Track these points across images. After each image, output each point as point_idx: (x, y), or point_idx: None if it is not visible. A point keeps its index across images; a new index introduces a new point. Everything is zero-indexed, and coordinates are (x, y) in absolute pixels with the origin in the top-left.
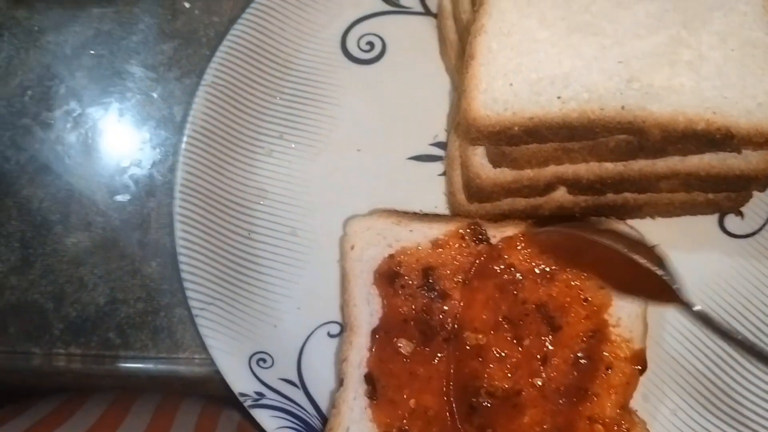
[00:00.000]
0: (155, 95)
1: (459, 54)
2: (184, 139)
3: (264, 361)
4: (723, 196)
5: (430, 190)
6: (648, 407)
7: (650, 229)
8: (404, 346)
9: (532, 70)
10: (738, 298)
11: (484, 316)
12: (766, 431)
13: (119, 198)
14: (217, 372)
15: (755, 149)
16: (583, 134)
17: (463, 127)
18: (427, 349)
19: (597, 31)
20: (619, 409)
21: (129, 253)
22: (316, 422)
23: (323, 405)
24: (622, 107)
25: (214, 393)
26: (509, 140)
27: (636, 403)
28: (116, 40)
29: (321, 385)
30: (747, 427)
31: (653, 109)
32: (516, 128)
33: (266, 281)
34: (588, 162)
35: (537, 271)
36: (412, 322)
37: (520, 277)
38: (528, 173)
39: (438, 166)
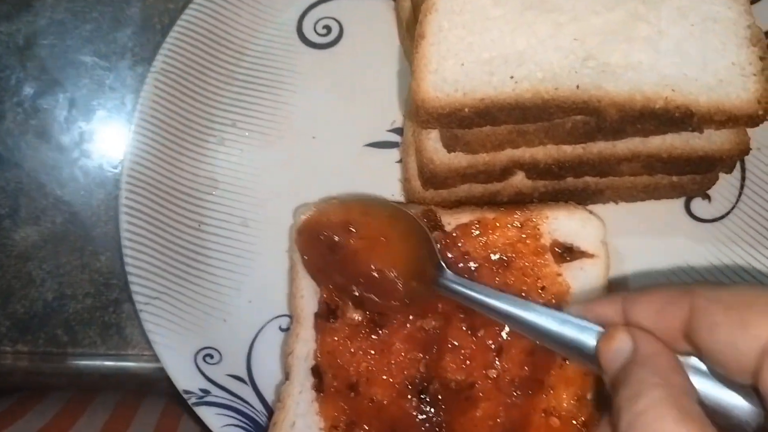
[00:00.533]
0: (107, 84)
1: (413, 36)
2: (132, 127)
3: (211, 356)
4: (688, 178)
5: (386, 178)
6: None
7: (613, 215)
8: (351, 313)
9: (484, 49)
10: None
11: (438, 306)
12: None
13: (70, 191)
14: (164, 370)
15: (717, 128)
16: (537, 115)
17: (413, 109)
18: (377, 338)
19: (552, 8)
20: (575, 401)
21: (78, 246)
22: (263, 419)
23: (271, 401)
24: (577, 86)
25: (172, 393)
26: (460, 123)
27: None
28: (69, 29)
29: (271, 380)
30: None
31: (609, 88)
32: (467, 110)
33: (216, 274)
34: (545, 145)
35: (493, 258)
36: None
37: (475, 266)
38: (483, 157)
39: (395, 153)
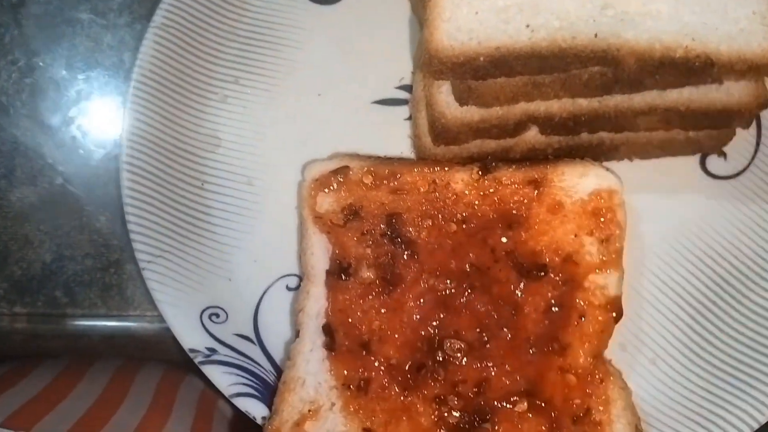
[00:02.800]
0: (105, 42)
1: None
2: (132, 83)
3: (217, 315)
4: (704, 134)
5: (395, 135)
6: (625, 357)
7: (628, 172)
8: (364, 271)
9: None
10: (721, 242)
11: (451, 264)
12: (747, 380)
13: (67, 150)
14: (169, 329)
15: (737, 79)
16: (553, 65)
17: (426, 59)
18: (389, 297)
19: None
20: (593, 358)
21: (77, 207)
22: (271, 378)
23: (280, 360)
24: (595, 35)
25: (173, 356)
26: (475, 73)
27: (612, 352)
28: None
29: (279, 340)
30: (729, 375)
31: (628, 37)
32: (481, 59)
33: (220, 233)
34: (560, 98)
35: (508, 216)
36: (372, 262)
37: (490, 223)
38: (496, 111)
39: (404, 110)
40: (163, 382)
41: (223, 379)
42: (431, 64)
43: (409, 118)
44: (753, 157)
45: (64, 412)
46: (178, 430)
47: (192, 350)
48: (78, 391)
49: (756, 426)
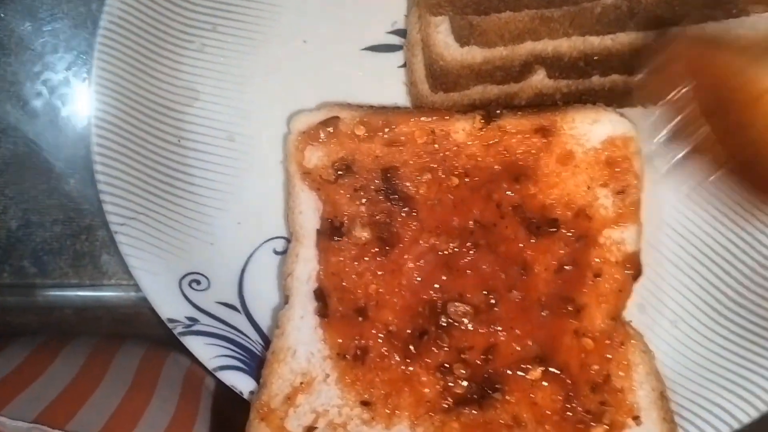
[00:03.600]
0: None
1: None
2: (99, 33)
3: (198, 282)
4: None
5: (388, 84)
6: (644, 319)
7: (644, 119)
8: (358, 231)
9: None
10: (746, 195)
11: (453, 221)
12: None
13: (32, 108)
14: (147, 300)
15: (765, 9)
16: None
17: None
18: (386, 258)
19: None
20: (611, 320)
21: (44, 169)
22: (260, 349)
23: (267, 330)
24: None
25: (153, 330)
26: (477, 5)
27: (631, 315)
28: None
29: (266, 308)
30: (757, 335)
31: None
32: None
33: (199, 193)
34: (570, 36)
35: (514, 168)
36: (367, 221)
37: (495, 176)
38: (500, 51)
39: (397, 57)
40: (145, 361)
41: (206, 351)
42: None
43: (404, 65)
44: None
45: (36, 393)
46: (161, 410)
47: (171, 320)
48: (52, 371)
49: None
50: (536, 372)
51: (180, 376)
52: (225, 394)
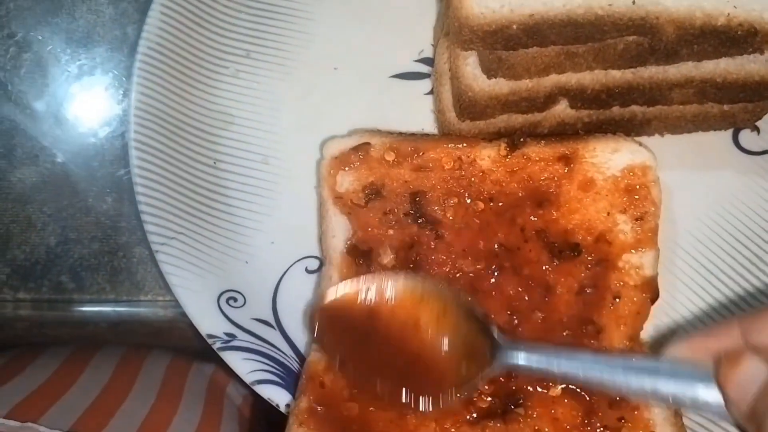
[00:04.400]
0: (107, 15)
1: None
2: (138, 57)
3: (235, 300)
4: (739, 107)
5: (415, 110)
6: (660, 340)
7: (660, 147)
8: (386, 256)
9: None
10: (756, 219)
11: (479, 244)
12: None
13: (69, 129)
14: (183, 315)
15: None
16: (588, 34)
17: (455, 28)
18: None
19: None
20: (628, 341)
21: (81, 188)
22: (294, 364)
23: (302, 346)
24: (633, 2)
25: (183, 342)
26: (506, 42)
27: (647, 335)
28: None
29: (299, 325)
30: None
31: (668, 4)
32: (514, 27)
33: (235, 214)
34: (593, 70)
35: (537, 194)
36: (395, 244)
37: (519, 201)
38: (526, 84)
39: (424, 84)
40: (171, 370)
41: (244, 366)
42: (461, 33)
43: (430, 92)
44: None
45: (70, 402)
46: (188, 417)
47: (210, 336)
48: (83, 381)
49: None
50: (557, 389)
51: (203, 384)
52: (249, 404)
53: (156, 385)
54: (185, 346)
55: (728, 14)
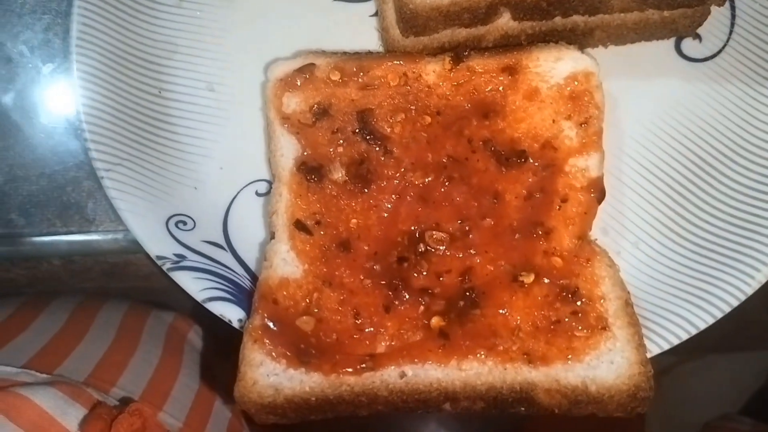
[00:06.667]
0: None
1: None
2: None
3: (184, 223)
4: (679, 13)
5: (361, 31)
6: (608, 242)
7: (605, 58)
8: (336, 172)
9: None
10: (698, 123)
11: (428, 157)
12: (730, 254)
13: (14, 65)
14: (137, 246)
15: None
16: None
17: None
18: (365, 195)
19: None
20: (578, 240)
21: (28, 126)
22: (246, 282)
23: (254, 265)
24: None
25: (140, 283)
26: None
27: (595, 237)
28: None
29: (251, 246)
30: (713, 251)
31: None
32: None
33: (182, 141)
34: None
35: (483, 105)
36: (345, 161)
37: (465, 113)
38: None
39: (369, 6)
40: (129, 316)
41: (195, 285)
42: None
43: (375, 13)
44: (728, 39)
45: (22, 344)
46: (146, 358)
47: (159, 257)
48: (36, 326)
49: (743, 297)
50: (511, 288)
51: (162, 330)
52: (210, 349)
53: (113, 329)
54: (144, 287)
55: None
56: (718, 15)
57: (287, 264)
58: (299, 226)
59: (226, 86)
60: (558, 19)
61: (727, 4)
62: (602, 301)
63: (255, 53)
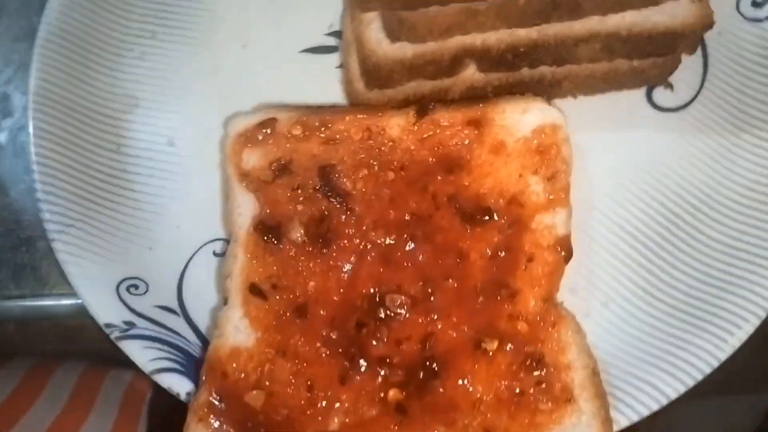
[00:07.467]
0: (11, 7)
1: None
2: (37, 42)
3: (136, 287)
4: (649, 63)
5: (326, 84)
6: (576, 301)
7: (574, 110)
8: (295, 231)
9: None
10: (671, 176)
11: (390, 214)
12: (704, 316)
13: None
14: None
15: None
16: None
17: None
18: (325, 256)
19: None
20: (544, 302)
21: None
22: (198, 350)
23: (208, 332)
24: None
25: (97, 345)
26: (405, 0)
27: (563, 297)
28: None
29: (205, 311)
30: (686, 312)
31: None
32: None
33: (138, 199)
34: (498, 29)
35: (448, 160)
36: (305, 219)
37: (430, 169)
38: (431, 46)
39: (335, 58)
40: (84, 378)
41: (143, 354)
42: None
43: (341, 66)
44: (700, 87)
45: None
46: (99, 424)
47: (108, 325)
48: None
49: (716, 363)
50: (474, 356)
51: (120, 392)
52: (174, 411)
53: (66, 393)
54: (105, 349)
55: None
56: (691, 63)
57: (239, 332)
58: (254, 290)
59: (187, 141)
60: (525, 71)
61: (699, 51)
62: (568, 370)
63: (217, 106)
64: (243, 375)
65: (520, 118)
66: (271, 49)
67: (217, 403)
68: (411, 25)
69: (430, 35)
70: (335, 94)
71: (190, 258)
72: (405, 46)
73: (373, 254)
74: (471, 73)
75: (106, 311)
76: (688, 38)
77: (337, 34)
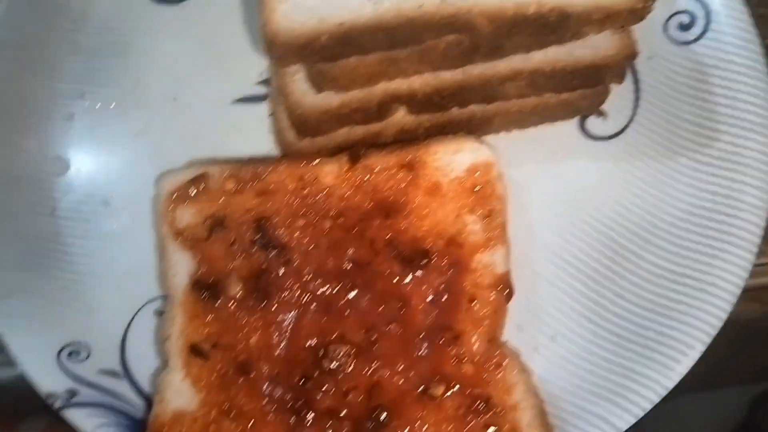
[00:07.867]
0: None
1: None
2: None
3: (77, 353)
4: (578, 94)
5: (260, 134)
6: (524, 338)
7: (508, 145)
8: (233, 288)
9: None
10: (610, 205)
11: (329, 263)
12: (651, 345)
13: None
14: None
15: (598, 30)
16: (405, 38)
17: (267, 45)
18: (264, 310)
19: None
20: (488, 343)
21: None
22: (144, 414)
23: (152, 394)
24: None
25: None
26: (321, 54)
27: (510, 334)
28: None
29: (150, 371)
30: (633, 342)
31: None
32: (324, 38)
33: (76, 262)
34: (421, 73)
35: (384, 204)
36: (243, 275)
37: (366, 215)
38: (356, 94)
39: (267, 107)
40: None
41: (87, 423)
42: (272, 49)
43: (272, 115)
44: (633, 114)
45: None
46: None
47: (50, 395)
48: None
49: (663, 392)
50: (421, 402)
51: None
52: None
53: None
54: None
55: (538, 1)
56: (623, 90)
57: (181, 396)
58: (194, 351)
59: (122, 199)
60: (455, 110)
61: (630, 77)
62: (515, 410)
63: (150, 163)
64: None
65: (453, 159)
66: (202, 102)
67: None
68: (333, 77)
69: (353, 84)
70: (269, 144)
71: (132, 318)
72: (330, 95)
73: (314, 305)
74: (401, 116)
75: (48, 381)
76: (613, 69)
77: (267, 83)
